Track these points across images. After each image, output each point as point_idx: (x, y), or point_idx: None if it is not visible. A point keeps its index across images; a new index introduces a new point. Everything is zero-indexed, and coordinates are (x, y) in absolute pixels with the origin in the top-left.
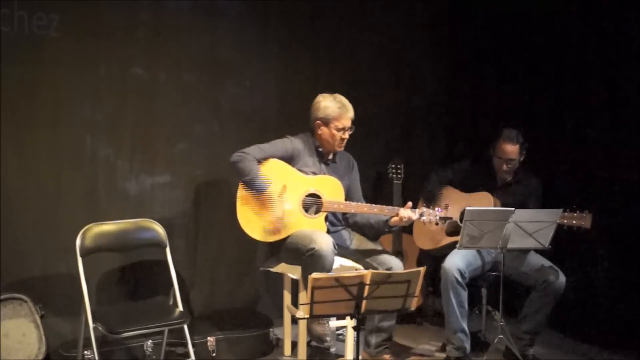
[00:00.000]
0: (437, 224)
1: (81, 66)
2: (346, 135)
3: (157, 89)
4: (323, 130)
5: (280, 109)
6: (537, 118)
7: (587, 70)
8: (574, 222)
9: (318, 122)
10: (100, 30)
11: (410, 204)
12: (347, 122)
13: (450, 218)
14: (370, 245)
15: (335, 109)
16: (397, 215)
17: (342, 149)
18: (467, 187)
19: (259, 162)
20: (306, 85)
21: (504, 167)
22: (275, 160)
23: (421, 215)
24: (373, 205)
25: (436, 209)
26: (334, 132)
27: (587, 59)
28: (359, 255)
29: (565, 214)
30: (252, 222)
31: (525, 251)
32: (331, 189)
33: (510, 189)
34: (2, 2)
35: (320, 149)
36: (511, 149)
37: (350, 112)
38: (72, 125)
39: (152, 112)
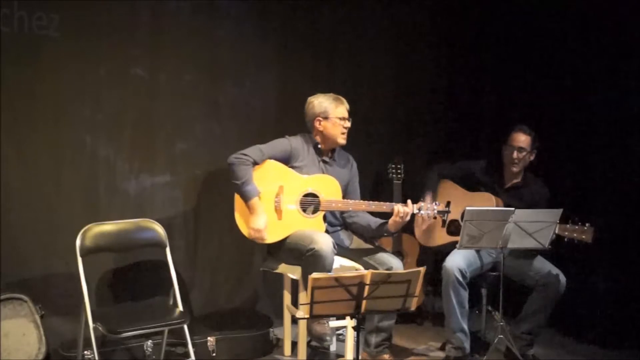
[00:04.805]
0: (435, 217)
1: (81, 66)
2: (348, 125)
3: (157, 89)
4: (325, 126)
5: (280, 109)
6: (537, 120)
7: (589, 72)
8: (575, 235)
9: (318, 118)
10: (100, 30)
11: (409, 201)
12: (345, 112)
13: (448, 211)
14: (370, 245)
15: (331, 101)
16: (395, 214)
17: (345, 141)
18: (473, 187)
19: (257, 163)
20: (306, 85)
21: (515, 154)
22: (272, 161)
23: (419, 209)
24: (371, 202)
25: (434, 202)
26: (337, 121)
27: (590, 60)
28: (359, 255)
29: (567, 226)
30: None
31: (525, 252)
32: (328, 188)
33: (517, 192)
34: (2, 2)
35: (319, 146)
36: (523, 138)
37: (345, 103)
38: (72, 125)
39: (152, 112)
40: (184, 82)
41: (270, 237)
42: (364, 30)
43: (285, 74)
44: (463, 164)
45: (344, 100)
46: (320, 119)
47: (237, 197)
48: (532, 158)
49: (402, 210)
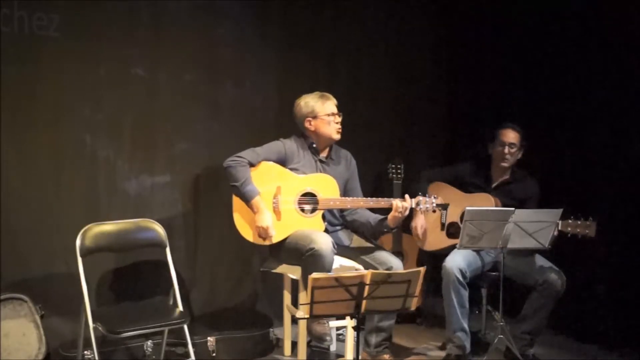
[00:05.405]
0: (434, 211)
1: (81, 66)
2: (339, 119)
3: (157, 89)
4: (316, 125)
5: (280, 109)
6: (537, 119)
7: (588, 70)
8: (579, 230)
9: (308, 119)
10: (100, 30)
11: (407, 196)
12: (333, 108)
13: (447, 205)
14: (370, 244)
15: (316, 100)
16: (393, 209)
17: (339, 136)
18: (463, 189)
19: (252, 165)
20: (306, 85)
21: (506, 150)
22: (268, 162)
23: (417, 204)
24: (369, 198)
25: (432, 196)
26: (326, 119)
27: (588, 59)
28: (359, 255)
29: (570, 221)
30: (250, 225)
31: (525, 252)
32: (326, 187)
33: (507, 189)
34: (2, 2)
35: (314, 145)
36: (513, 135)
37: (332, 99)
38: (72, 125)
39: (152, 112)
40: (184, 82)
41: (268, 240)
42: (364, 30)
43: (285, 74)
44: (451, 168)
45: (330, 96)
46: (310, 119)
47: (235, 200)
48: (520, 156)
49: (400, 205)
